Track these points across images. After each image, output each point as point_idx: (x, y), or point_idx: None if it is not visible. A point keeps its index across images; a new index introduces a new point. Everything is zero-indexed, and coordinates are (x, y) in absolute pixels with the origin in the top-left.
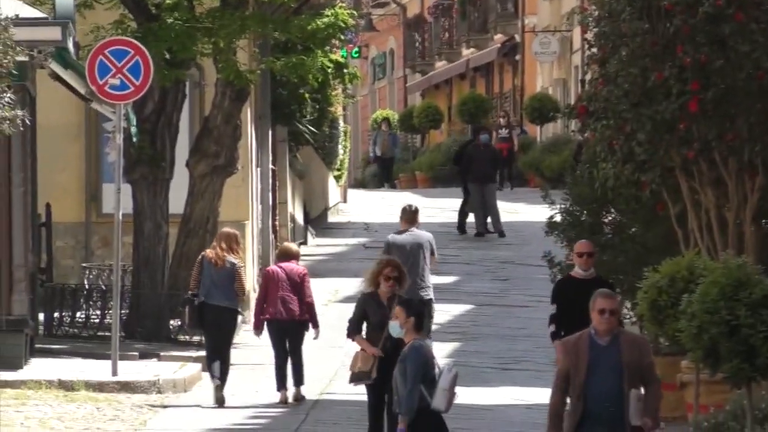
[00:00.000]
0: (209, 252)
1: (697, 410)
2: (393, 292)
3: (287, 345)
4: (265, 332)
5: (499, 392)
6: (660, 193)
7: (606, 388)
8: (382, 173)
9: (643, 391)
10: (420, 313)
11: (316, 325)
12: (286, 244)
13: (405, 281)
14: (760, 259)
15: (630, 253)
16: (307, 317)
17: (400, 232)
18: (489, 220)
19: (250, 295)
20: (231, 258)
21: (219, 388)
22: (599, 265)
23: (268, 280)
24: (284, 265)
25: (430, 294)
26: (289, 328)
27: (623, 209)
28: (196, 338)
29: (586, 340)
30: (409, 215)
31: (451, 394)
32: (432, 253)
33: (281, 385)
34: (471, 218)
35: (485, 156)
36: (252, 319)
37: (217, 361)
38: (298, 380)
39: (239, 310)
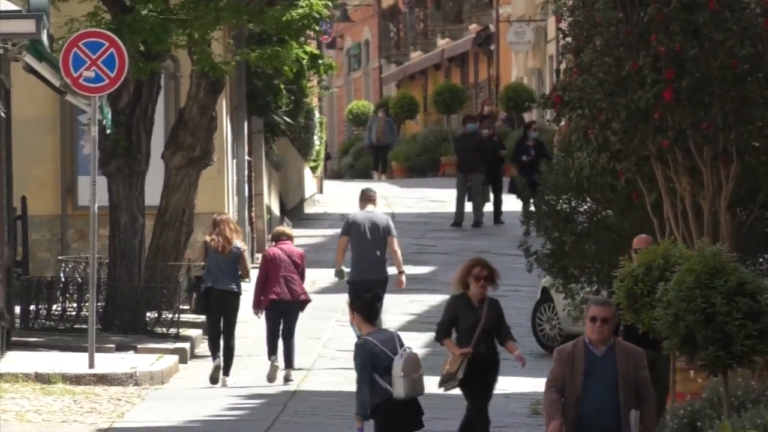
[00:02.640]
0: (212, 240)
1: (673, 398)
2: (484, 294)
3: (281, 325)
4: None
5: None
6: (635, 182)
7: (602, 401)
8: (375, 161)
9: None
10: (364, 304)
11: None
12: (279, 227)
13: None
14: (735, 246)
15: (605, 242)
16: (306, 297)
17: (360, 212)
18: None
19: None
20: (236, 242)
21: (218, 369)
22: (575, 254)
23: (268, 262)
24: (283, 246)
25: (386, 273)
26: (290, 308)
27: (599, 198)
28: (172, 330)
29: (581, 349)
30: (365, 194)
31: (409, 379)
32: (389, 233)
33: (273, 351)
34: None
35: (469, 145)
36: (252, 299)
37: (220, 343)
38: (289, 362)
39: (241, 293)
